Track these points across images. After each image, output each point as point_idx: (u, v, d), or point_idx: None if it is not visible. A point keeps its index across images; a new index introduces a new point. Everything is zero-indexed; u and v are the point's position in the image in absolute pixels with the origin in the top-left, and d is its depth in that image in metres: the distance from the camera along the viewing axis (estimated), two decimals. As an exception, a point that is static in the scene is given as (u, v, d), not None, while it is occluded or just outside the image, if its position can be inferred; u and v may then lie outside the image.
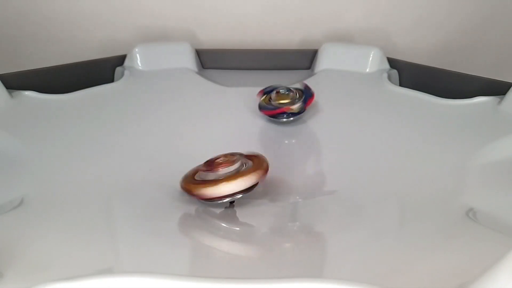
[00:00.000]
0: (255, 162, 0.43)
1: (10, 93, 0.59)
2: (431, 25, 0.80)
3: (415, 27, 0.80)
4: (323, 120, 0.59)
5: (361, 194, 0.47)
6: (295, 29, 0.80)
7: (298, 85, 0.58)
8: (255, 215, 0.45)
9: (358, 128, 0.57)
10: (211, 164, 0.42)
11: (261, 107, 0.57)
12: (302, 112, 0.56)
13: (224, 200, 0.42)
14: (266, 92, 0.58)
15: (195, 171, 0.44)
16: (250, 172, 0.41)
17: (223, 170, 0.42)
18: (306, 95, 0.57)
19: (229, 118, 0.59)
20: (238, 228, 0.44)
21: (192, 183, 0.42)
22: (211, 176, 0.42)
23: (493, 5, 0.79)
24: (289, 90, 0.57)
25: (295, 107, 0.56)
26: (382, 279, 0.33)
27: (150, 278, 0.29)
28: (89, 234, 0.39)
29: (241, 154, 0.43)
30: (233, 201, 0.43)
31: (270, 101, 0.57)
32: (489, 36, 0.81)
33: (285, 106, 0.56)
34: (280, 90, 0.57)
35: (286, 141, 0.56)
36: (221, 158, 0.43)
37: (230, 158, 0.43)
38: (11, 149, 0.50)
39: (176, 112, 0.60)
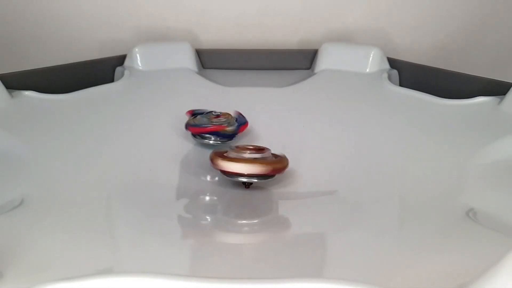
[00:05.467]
0: (277, 159, 0.47)
1: (10, 93, 0.59)
2: (431, 25, 0.80)
3: (415, 27, 0.80)
4: (323, 120, 0.59)
5: (361, 194, 0.47)
6: (295, 29, 0.80)
7: (232, 113, 0.56)
8: (255, 216, 0.45)
9: (358, 128, 0.57)
10: (241, 147, 0.47)
11: (189, 125, 0.54)
12: (234, 136, 0.54)
13: (241, 179, 0.46)
14: (195, 113, 0.56)
15: (225, 150, 0.48)
16: (267, 163, 0.46)
17: (247, 154, 0.46)
18: (240, 121, 0.55)
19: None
20: (238, 229, 0.44)
21: (218, 156, 0.46)
22: (235, 155, 0.46)
23: (493, 5, 0.79)
24: (221, 113, 0.55)
25: (230, 128, 0.54)
26: (382, 279, 0.33)
27: (150, 278, 0.29)
28: (89, 234, 0.39)
29: (269, 150, 0.48)
30: (249, 184, 0.47)
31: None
32: (489, 36, 0.81)
33: (219, 125, 0.53)
34: (213, 112, 0.55)
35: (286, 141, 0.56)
36: (251, 146, 0.48)
37: (258, 147, 0.47)
38: (11, 149, 0.50)
39: (176, 112, 0.60)
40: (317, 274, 0.36)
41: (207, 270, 0.35)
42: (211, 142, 0.54)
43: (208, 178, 0.50)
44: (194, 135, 0.54)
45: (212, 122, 0.54)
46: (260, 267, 0.35)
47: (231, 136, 0.54)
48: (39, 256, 0.35)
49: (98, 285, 0.28)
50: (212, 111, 0.55)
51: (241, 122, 0.55)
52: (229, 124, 0.54)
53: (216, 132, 0.53)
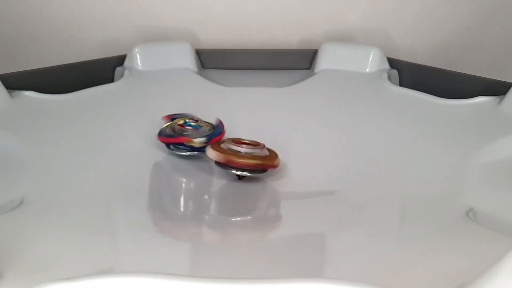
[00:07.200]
0: (270, 155, 0.48)
1: (10, 93, 0.59)
2: (431, 25, 0.80)
3: (415, 27, 0.80)
4: (323, 120, 0.59)
5: (361, 194, 0.47)
6: (295, 29, 0.80)
7: (212, 121, 0.53)
8: (255, 216, 0.45)
9: (358, 128, 0.57)
10: (237, 141, 0.48)
11: (160, 133, 0.51)
12: (202, 149, 0.49)
13: (233, 171, 0.47)
14: (174, 118, 0.53)
15: (222, 141, 0.49)
16: (258, 158, 0.47)
17: (242, 148, 0.47)
18: (216, 131, 0.51)
19: (229, 118, 0.59)
20: (238, 229, 0.44)
21: (214, 147, 0.47)
22: (232, 147, 0.47)
23: (493, 5, 0.79)
24: (197, 121, 0.52)
25: (197, 140, 0.49)
26: (382, 279, 0.33)
27: (150, 278, 0.29)
28: (89, 234, 0.39)
29: (264, 146, 0.49)
30: (242, 177, 0.48)
31: (173, 129, 0.51)
32: (489, 36, 0.81)
33: (186, 136, 0.50)
34: (187, 120, 0.52)
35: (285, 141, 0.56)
36: (247, 140, 0.48)
37: (253, 142, 0.48)
38: (11, 149, 0.50)
39: (176, 112, 0.60)
40: (317, 274, 0.36)
41: (207, 270, 0.35)
42: (182, 153, 0.51)
43: (207, 175, 0.50)
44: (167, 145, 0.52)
45: (179, 130, 0.51)
46: (260, 267, 0.35)
47: (198, 149, 0.50)
48: (39, 256, 0.35)
49: (98, 285, 0.28)
50: (188, 117, 0.52)
51: (216, 133, 0.51)
52: (198, 135, 0.50)
53: (182, 144, 0.50)
